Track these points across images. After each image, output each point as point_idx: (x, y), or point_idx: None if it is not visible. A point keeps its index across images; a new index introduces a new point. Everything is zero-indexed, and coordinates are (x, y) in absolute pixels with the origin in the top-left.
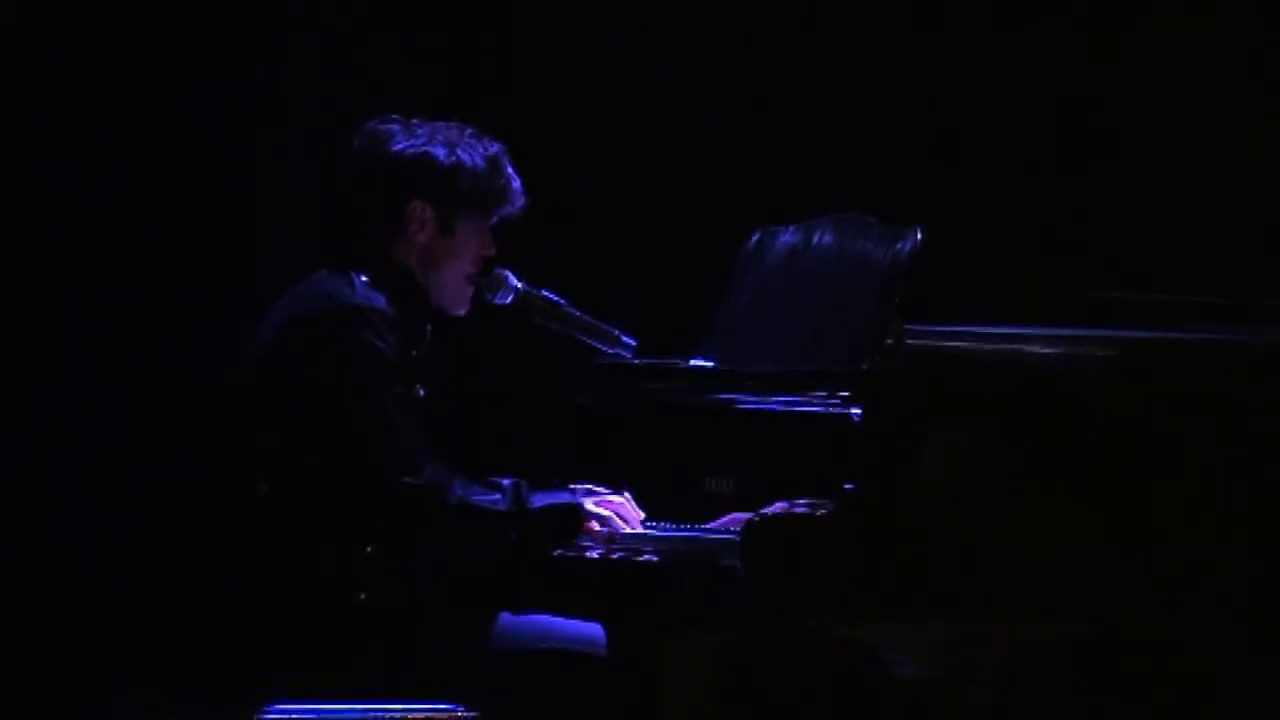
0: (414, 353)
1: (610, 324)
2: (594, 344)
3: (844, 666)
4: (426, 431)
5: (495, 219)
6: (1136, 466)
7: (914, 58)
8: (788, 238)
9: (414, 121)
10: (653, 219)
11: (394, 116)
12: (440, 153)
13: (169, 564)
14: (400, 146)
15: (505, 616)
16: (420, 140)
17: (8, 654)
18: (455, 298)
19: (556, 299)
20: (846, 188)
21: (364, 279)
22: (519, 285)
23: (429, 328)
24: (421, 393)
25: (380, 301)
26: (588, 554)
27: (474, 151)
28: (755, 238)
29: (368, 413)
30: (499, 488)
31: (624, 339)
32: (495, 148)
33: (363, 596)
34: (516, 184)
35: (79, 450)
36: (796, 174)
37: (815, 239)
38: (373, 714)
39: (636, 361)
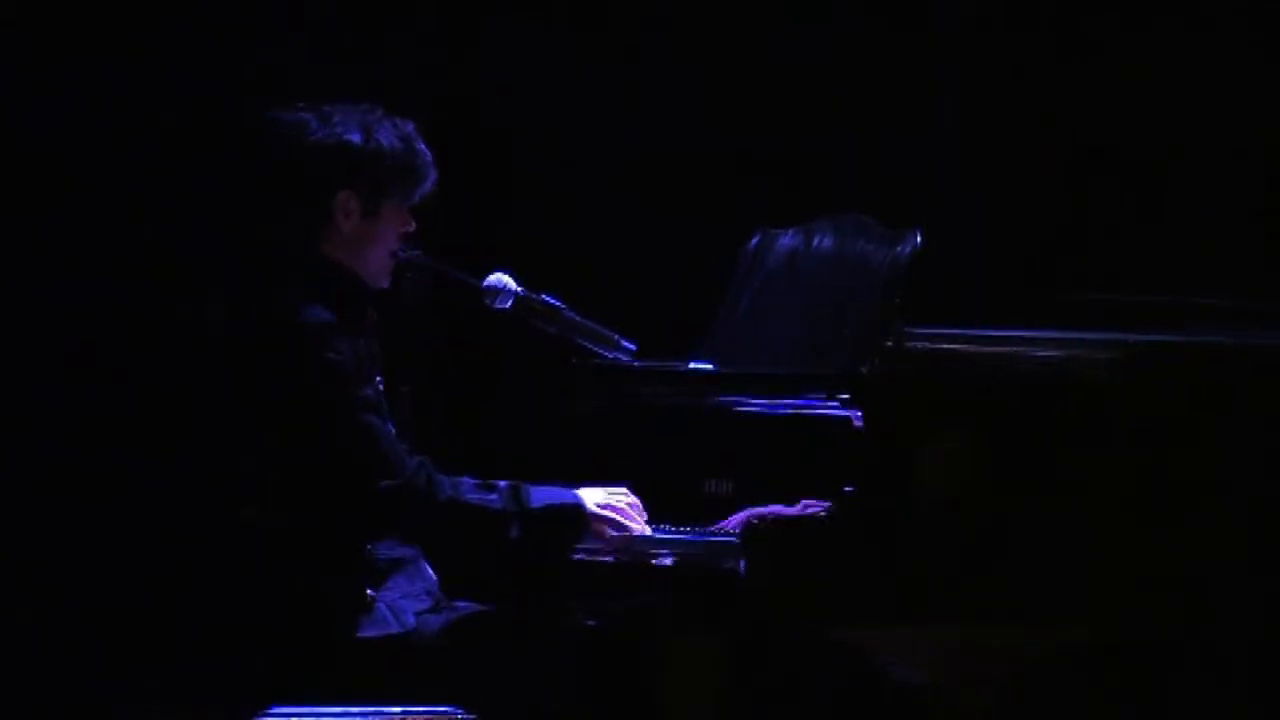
0: (362, 341)
1: (609, 328)
2: (593, 348)
3: (844, 669)
4: (399, 427)
5: (415, 198)
6: (1137, 469)
7: (913, 58)
8: (787, 240)
9: (325, 108)
10: (652, 222)
11: (301, 104)
12: (358, 139)
13: (171, 565)
14: (319, 136)
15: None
16: (337, 128)
17: (8, 654)
18: (378, 275)
19: (556, 303)
20: (846, 189)
21: (299, 291)
22: (518, 290)
23: (373, 315)
24: (381, 386)
25: (322, 314)
26: (594, 557)
27: (389, 133)
28: (755, 240)
29: (337, 428)
30: (495, 488)
31: (623, 343)
32: (409, 127)
33: (370, 594)
34: (429, 158)
35: (79, 450)
36: (796, 175)
37: (815, 241)
38: (372, 717)
39: (636, 365)
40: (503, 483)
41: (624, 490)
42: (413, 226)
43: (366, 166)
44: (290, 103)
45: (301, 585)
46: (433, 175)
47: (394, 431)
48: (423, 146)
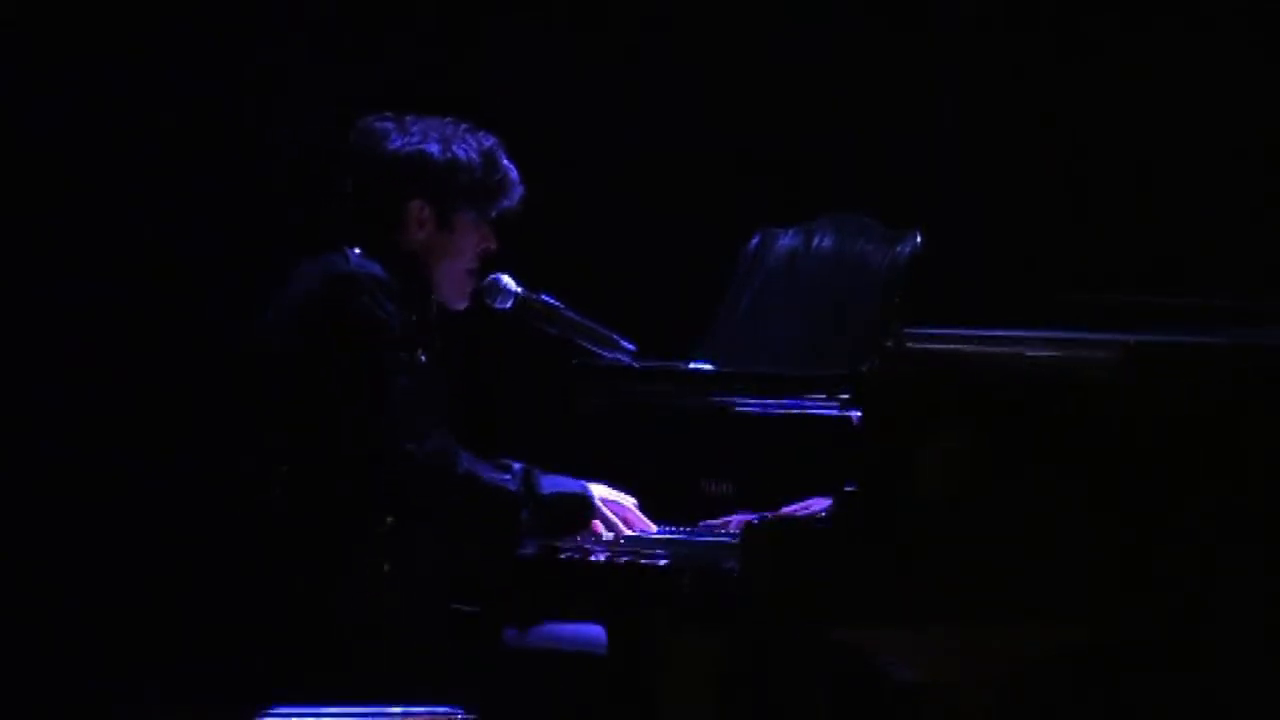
0: (414, 318)
1: (610, 328)
2: (593, 348)
3: (843, 669)
4: (432, 398)
5: (495, 213)
6: (1137, 470)
7: (913, 58)
8: (788, 240)
9: (408, 118)
10: (652, 221)
11: (388, 114)
12: (435, 150)
13: (171, 565)
14: (396, 145)
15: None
16: (415, 138)
17: (9, 654)
18: (455, 292)
19: (556, 303)
20: (846, 189)
21: (357, 251)
22: (518, 290)
23: (433, 299)
24: (423, 358)
25: (375, 269)
26: (592, 557)
27: (469, 147)
28: (755, 240)
29: (369, 380)
30: (509, 469)
31: (623, 343)
32: (490, 141)
33: (387, 568)
34: (514, 175)
35: (79, 450)
36: (796, 176)
37: (815, 241)
38: (372, 717)
39: (636, 364)
40: (516, 464)
41: (630, 498)
42: (494, 245)
43: (440, 178)
44: (379, 111)
45: (303, 584)
46: (515, 192)
47: (430, 403)
48: (505, 162)
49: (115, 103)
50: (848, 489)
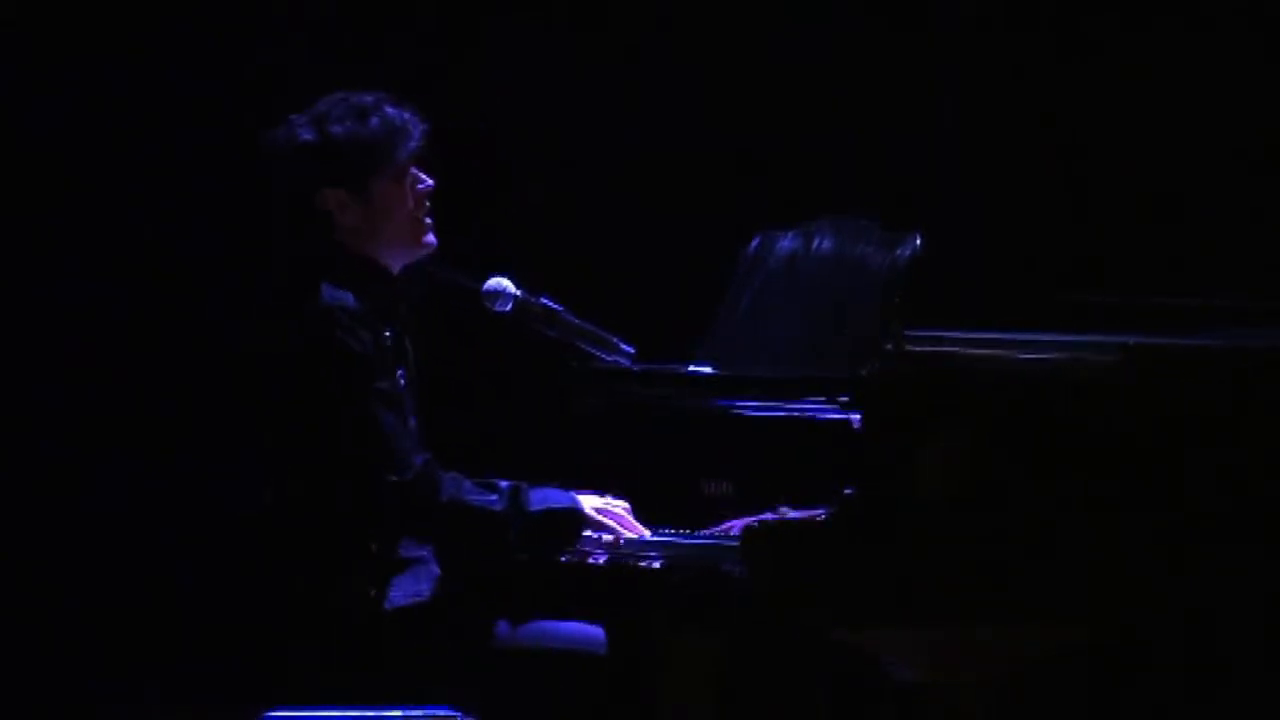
0: (388, 334)
1: (609, 331)
2: (593, 351)
3: (843, 670)
4: (412, 422)
5: (406, 158)
6: (1136, 471)
7: (913, 58)
8: (787, 242)
9: (292, 116)
10: (652, 222)
11: (290, 116)
12: (311, 136)
13: (171, 565)
14: (280, 149)
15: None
16: (295, 131)
17: (8, 655)
18: (413, 239)
19: (555, 306)
20: (846, 189)
21: (328, 283)
22: (518, 293)
23: (404, 309)
24: (403, 381)
25: (347, 299)
26: (591, 559)
27: (342, 117)
28: (755, 242)
29: (351, 415)
30: (496, 489)
31: (622, 346)
32: (369, 99)
33: (373, 593)
34: (405, 116)
35: (79, 450)
36: (796, 175)
37: (815, 244)
38: (371, 718)
39: (635, 367)
40: (503, 483)
41: (622, 502)
42: (430, 183)
43: (329, 159)
44: (281, 116)
45: (303, 585)
46: (416, 130)
47: (410, 427)
48: (390, 110)
49: (115, 103)
50: (848, 491)
